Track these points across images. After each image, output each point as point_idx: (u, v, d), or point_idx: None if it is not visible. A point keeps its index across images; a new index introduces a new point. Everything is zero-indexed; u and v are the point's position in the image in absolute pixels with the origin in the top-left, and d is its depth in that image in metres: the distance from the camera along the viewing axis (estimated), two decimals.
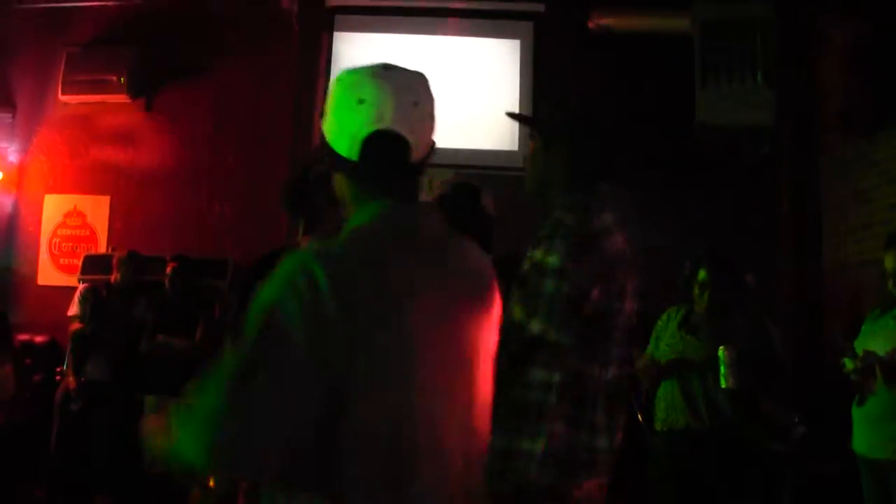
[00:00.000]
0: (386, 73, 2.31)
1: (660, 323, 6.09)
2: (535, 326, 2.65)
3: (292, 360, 1.93)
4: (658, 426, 5.90)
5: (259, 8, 9.86)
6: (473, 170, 8.80)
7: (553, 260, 2.71)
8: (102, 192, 9.95)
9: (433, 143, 2.30)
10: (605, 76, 9.21)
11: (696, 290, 5.90)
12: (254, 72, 9.93)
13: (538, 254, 2.73)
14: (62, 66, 9.89)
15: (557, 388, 2.65)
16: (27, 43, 10.36)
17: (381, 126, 2.19)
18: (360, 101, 2.21)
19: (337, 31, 9.95)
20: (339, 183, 2.33)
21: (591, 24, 9.38)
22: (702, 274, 5.88)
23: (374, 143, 2.19)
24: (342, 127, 2.24)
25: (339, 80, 2.31)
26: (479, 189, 4.04)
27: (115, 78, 9.72)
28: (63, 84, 9.86)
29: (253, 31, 9.97)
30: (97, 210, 9.87)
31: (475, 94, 9.64)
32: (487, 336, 2.27)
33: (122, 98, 9.87)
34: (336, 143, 2.25)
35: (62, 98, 9.92)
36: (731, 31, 8.76)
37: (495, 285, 2.35)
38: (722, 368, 5.41)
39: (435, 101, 2.29)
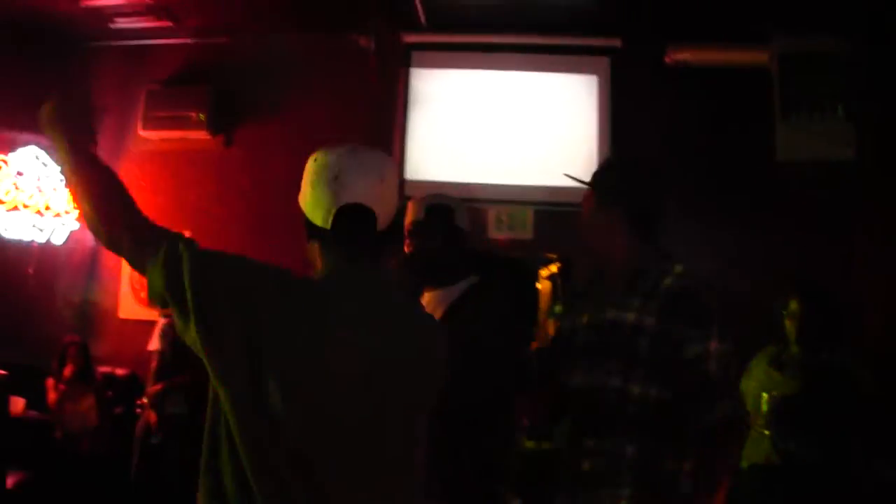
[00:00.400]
0: (356, 154, 2.76)
1: (753, 360, 6.27)
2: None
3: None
4: (743, 463, 6.03)
5: (337, 45, 10.28)
6: (551, 207, 9.20)
7: (730, 347, 3.22)
8: (182, 228, 10.17)
9: (395, 212, 2.78)
10: (682, 111, 9.57)
11: (787, 323, 6.10)
12: (332, 109, 10.28)
13: (720, 346, 3.21)
14: (142, 103, 10.43)
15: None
16: (108, 80, 10.87)
17: (352, 200, 2.63)
18: (335, 178, 2.65)
19: (414, 67, 10.34)
20: (313, 251, 2.78)
21: (667, 59, 9.66)
22: (792, 305, 6.07)
23: (347, 215, 2.62)
24: (318, 200, 2.67)
25: (315, 159, 2.75)
26: (452, 209, 4.12)
27: (194, 115, 10.22)
28: (143, 120, 10.38)
29: (331, 69, 10.39)
30: None
31: (552, 130, 9.96)
32: (413, 395, 2.62)
33: (201, 134, 10.34)
34: (312, 215, 2.69)
35: (142, 134, 10.44)
36: (811, 65, 8.96)
37: (436, 350, 2.72)
38: (764, 414, 5.72)
39: (396, 178, 2.84)
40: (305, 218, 2.76)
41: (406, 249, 4.04)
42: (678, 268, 3.39)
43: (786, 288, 6.33)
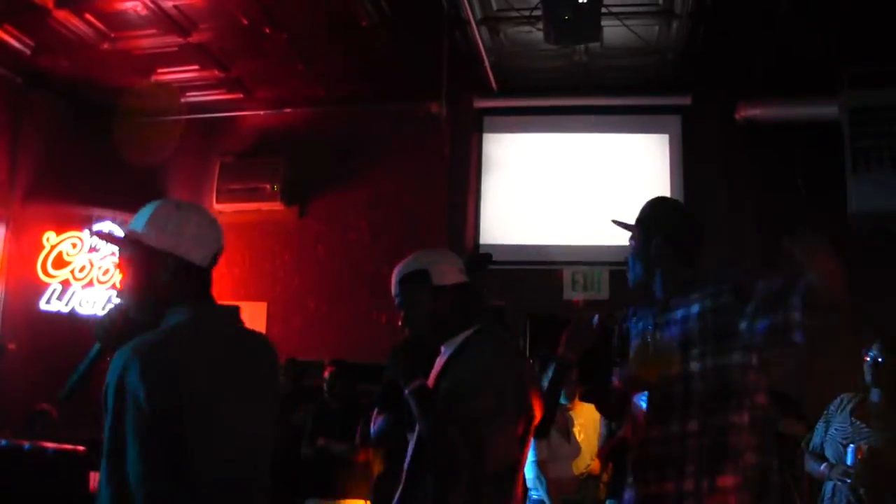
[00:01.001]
0: (183, 208, 3.17)
1: (831, 407, 6.30)
2: None
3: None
4: None
5: (409, 112, 10.86)
6: (626, 266, 9.65)
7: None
8: (259, 299, 10.92)
9: (218, 250, 3.22)
10: (754, 166, 10.15)
11: (869, 374, 6.16)
12: (406, 176, 10.87)
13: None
14: (216, 175, 11.08)
15: None
16: (182, 153, 11.50)
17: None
18: (212, 222, 3.17)
19: (486, 132, 10.95)
20: (185, 288, 3.08)
21: (737, 115, 10.16)
22: (875, 357, 6.14)
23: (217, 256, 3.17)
24: (205, 241, 3.12)
25: (178, 206, 3.12)
26: (425, 271, 4.01)
27: (268, 186, 10.84)
28: (217, 192, 11.02)
29: (404, 136, 10.97)
30: (255, 316, 10.67)
31: (624, 189, 10.42)
32: (263, 403, 3.11)
33: (275, 206, 10.95)
34: (192, 254, 3.05)
35: (217, 206, 11.02)
36: (881, 116, 9.37)
37: (272, 371, 3.24)
38: (848, 465, 5.67)
39: (215, 226, 3.26)
40: (172, 259, 2.98)
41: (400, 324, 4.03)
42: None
43: (868, 339, 6.34)
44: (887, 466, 5.65)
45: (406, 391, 3.68)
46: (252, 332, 3.20)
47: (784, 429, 7.47)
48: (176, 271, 2.98)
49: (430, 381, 3.77)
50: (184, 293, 2.99)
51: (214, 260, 3.18)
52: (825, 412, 6.36)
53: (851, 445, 5.69)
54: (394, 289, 4.02)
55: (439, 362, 3.91)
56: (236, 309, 3.20)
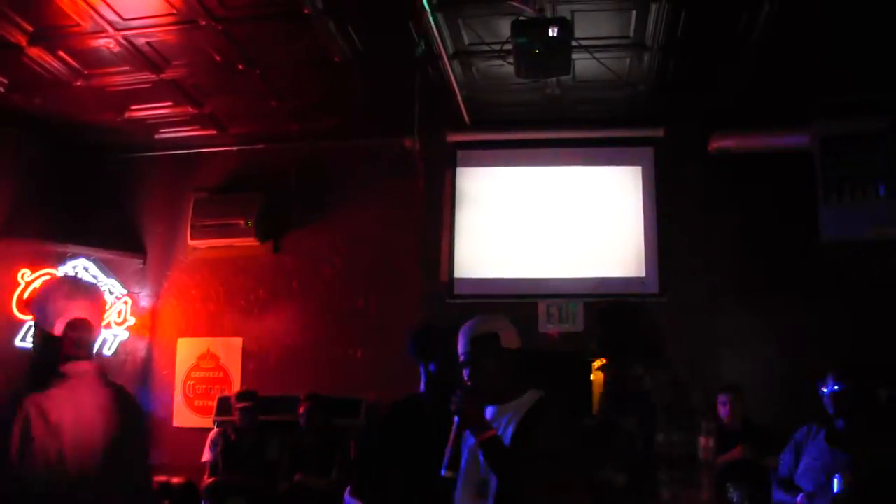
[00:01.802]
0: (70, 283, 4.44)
1: (797, 436, 6.43)
2: None
3: None
4: None
5: (383, 147, 11.03)
6: (601, 298, 9.73)
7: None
8: (234, 334, 11.04)
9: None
10: (727, 197, 10.34)
11: (831, 405, 6.22)
12: (380, 210, 10.99)
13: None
14: (190, 212, 11.15)
15: None
16: (156, 189, 11.67)
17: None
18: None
19: (460, 166, 11.08)
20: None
21: (710, 147, 10.37)
22: (833, 388, 6.20)
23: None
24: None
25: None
26: (496, 334, 4.38)
27: (242, 222, 10.91)
28: (192, 228, 11.10)
29: (378, 171, 11.11)
30: (230, 352, 10.96)
31: (598, 222, 10.65)
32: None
33: (250, 241, 11.03)
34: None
35: (191, 243, 11.15)
36: (852, 145, 9.55)
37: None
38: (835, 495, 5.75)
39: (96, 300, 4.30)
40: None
41: (466, 380, 4.37)
42: None
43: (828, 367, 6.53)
44: (878, 492, 5.75)
45: (477, 440, 4.10)
46: None
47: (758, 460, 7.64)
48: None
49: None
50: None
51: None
52: (792, 442, 6.49)
53: (837, 475, 5.77)
54: (463, 347, 4.37)
55: (503, 421, 4.24)
56: None
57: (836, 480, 5.76)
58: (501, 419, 4.26)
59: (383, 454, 4.81)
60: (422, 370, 4.98)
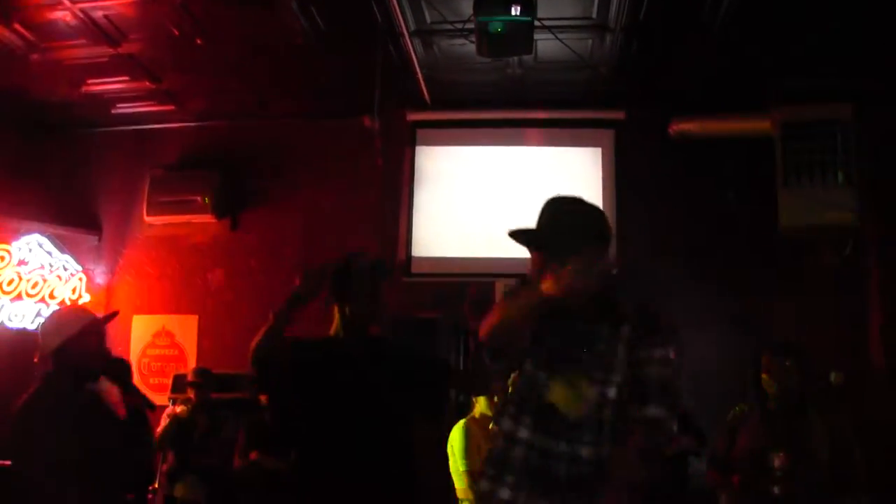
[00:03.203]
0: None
1: (734, 417, 6.55)
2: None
3: None
4: None
5: (343, 126, 11.10)
6: None
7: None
8: (190, 312, 11.14)
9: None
10: (687, 180, 10.51)
11: (756, 386, 6.35)
12: (339, 189, 11.12)
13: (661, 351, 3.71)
14: (146, 188, 11.23)
15: None
16: (112, 165, 11.72)
17: None
18: None
19: (419, 145, 11.23)
20: None
21: (671, 130, 10.52)
22: (766, 362, 6.31)
23: None
24: None
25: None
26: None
27: (199, 198, 11.00)
28: (148, 205, 11.19)
29: (337, 150, 11.22)
30: (185, 329, 11.07)
31: None
32: None
33: (207, 218, 11.13)
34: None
35: (147, 219, 11.24)
36: (813, 132, 9.71)
37: None
38: (774, 475, 5.81)
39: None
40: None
41: None
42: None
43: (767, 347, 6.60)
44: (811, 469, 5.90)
45: None
46: None
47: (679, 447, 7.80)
48: None
49: None
50: None
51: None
52: (727, 424, 6.60)
53: (774, 453, 5.87)
54: None
55: None
56: None
57: (772, 458, 5.87)
58: None
59: (304, 407, 4.69)
60: (338, 312, 4.88)
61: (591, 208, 3.96)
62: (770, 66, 9.57)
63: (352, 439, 4.46)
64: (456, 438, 7.86)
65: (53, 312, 5.43)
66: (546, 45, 9.37)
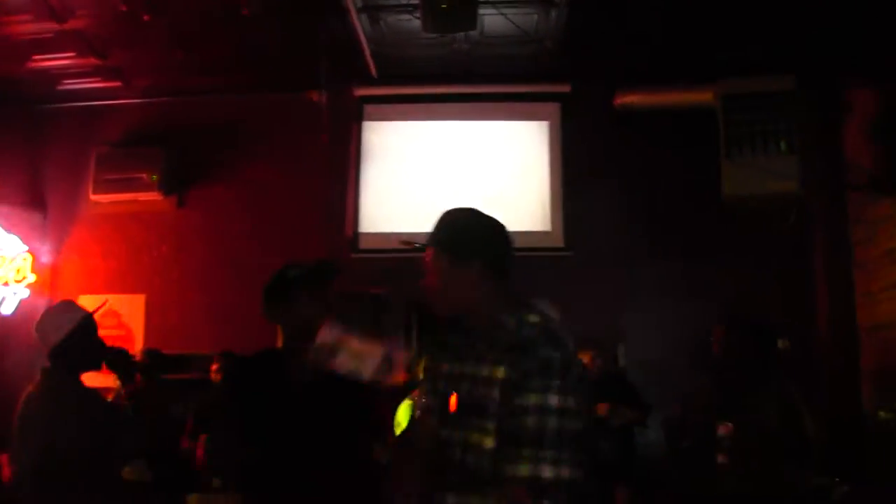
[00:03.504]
0: None
1: (688, 385, 6.90)
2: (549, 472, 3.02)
3: None
4: None
5: (290, 101, 11.14)
6: None
7: (570, 402, 3.07)
8: (137, 291, 11.08)
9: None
10: (632, 152, 10.64)
11: (715, 351, 6.53)
12: (286, 165, 11.13)
13: (539, 398, 3.08)
14: (92, 166, 11.15)
15: None
16: (57, 143, 11.62)
17: None
18: None
19: (366, 120, 11.31)
20: None
21: (616, 103, 10.68)
22: (717, 334, 6.53)
23: None
24: None
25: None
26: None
27: (145, 176, 10.96)
28: (94, 183, 11.11)
29: (284, 126, 11.22)
30: (133, 309, 10.97)
31: (506, 176, 10.95)
32: None
33: (154, 196, 11.09)
34: None
35: (93, 197, 11.17)
36: (755, 103, 9.85)
37: None
38: (720, 444, 5.95)
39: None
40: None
41: None
42: (532, 317, 3.32)
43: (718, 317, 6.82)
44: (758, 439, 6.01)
45: None
46: None
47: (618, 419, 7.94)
48: None
49: None
50: None
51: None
52: (683, 392, 6.90)
53: (719, 423, 6.03)
54: None
55: None
56: None
57: (720, 426, 5.98)
58: None
59: (246, 428, 4.46)
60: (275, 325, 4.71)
61: (491, 223, 3.54)
62: (713, 39, 9.71)
63: (288, 466, 4.30)
64: (402, 416, 7.93)
65: (47, 310, 5.51)
66: (492, 19, 9.49)
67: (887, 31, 8.49)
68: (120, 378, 5.97)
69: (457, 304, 3.46)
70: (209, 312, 10.82)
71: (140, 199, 11.16)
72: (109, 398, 9.17)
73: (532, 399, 3.08)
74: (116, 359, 5.99)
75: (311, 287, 4.48)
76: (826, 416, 8.92)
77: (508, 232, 3.52)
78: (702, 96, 10.23)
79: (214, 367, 9.44)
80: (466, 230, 3.52)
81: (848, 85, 9.51)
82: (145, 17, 9.32)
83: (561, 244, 10.70)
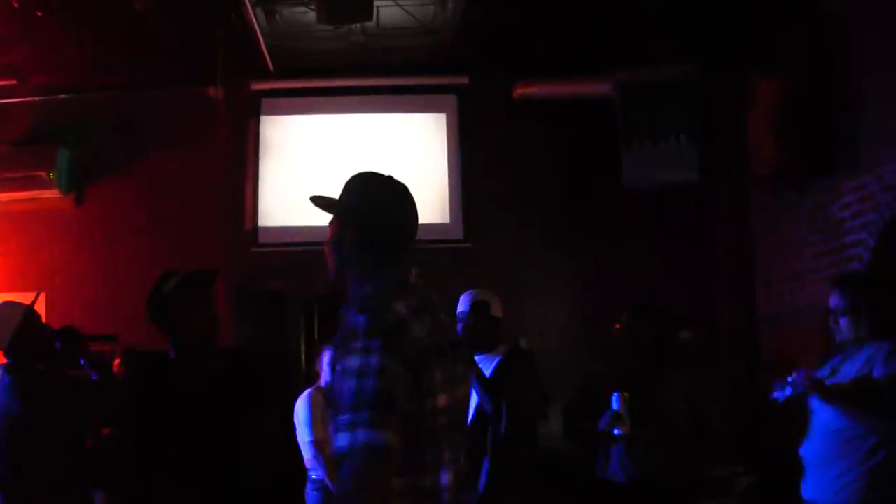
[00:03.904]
0: None
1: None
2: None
3: None
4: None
5: (186, 96, 11.08)
6: None
7: (373, 361, 2.83)
8: (37, 288, 10.74)
9: None
10: (532, 143, 10.76)
11: (620, 340, 6.57)
12: (184, 161, 11.06)
13: (342, 364, 2.89)
14: None
15: None
16: None
17: None
18: None
19: (264, 114, 11.30)
20: None
21: (515, 94, 10.75)
22: (623, 322, 6.56)
23: None
24: None
25: None
26: (487, 302, 6.24)
27: (43, 174, 10.79)
28: None
29: (182, 121, 11.17)
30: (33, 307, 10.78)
31: (405, 169, 10.35)
32: None
33: (52, 193, 10.93)
34: None
35: None
36: (654, 93, 10.08)
37: None
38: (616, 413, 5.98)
39: None
40: None
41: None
42: (374, 288, 3.20)
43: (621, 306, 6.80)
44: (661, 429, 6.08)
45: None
46: None
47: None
48: None
49: None
50: None
51: None
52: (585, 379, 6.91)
53: (616, 393, 6.01)
54: (462, 307, 6.26)
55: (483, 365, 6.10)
56: None
57: (614, 399, 6.00)
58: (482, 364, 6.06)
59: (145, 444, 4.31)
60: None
61: (382, 190, 3.45)
62: (612, 28, 9.78)
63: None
64: (301, 408, 7.93)
65: None
66: (388, 11, 9.53)
67: (790, 20, 8.58)
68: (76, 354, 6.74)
69: (331, 271, 3.41)
70: (111, 308, 10.65)
71: (39, 196, 11.00)
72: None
73: (337, 367, 2.95)
74: (64, 339, 6.89)
75: (189, 296, 4.40)
76: (727, 407, 8.99)
77: (403, 205, 3.40)
78: (600, 87, 10.38)
79: (117, 361, 9.30)
80: (352, 192, 3.48)
81: (751, 75, 9.50)
82: (38, 14, 9.19)
83: (461, 236, 10.76)
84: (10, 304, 6.04)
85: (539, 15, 9.54)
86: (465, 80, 11.12)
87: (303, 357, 10.43)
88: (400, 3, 9.20)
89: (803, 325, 8.53)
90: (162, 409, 4.27)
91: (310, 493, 8.14)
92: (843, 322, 5.64)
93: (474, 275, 9.79)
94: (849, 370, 5.46)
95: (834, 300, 5.70)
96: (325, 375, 8.17)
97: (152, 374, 4.57)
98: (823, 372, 5.61)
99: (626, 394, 5.98)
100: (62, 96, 11.29)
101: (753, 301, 10.12)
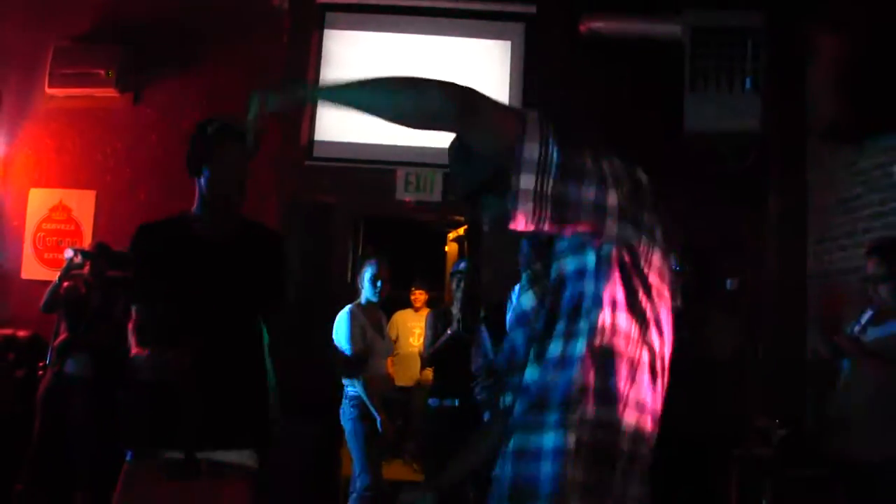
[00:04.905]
0: None
1: None
2: None
3: None
4: None
5: (250, 4, 11.08)
6: None
7: None
8: (88, 187, 11.05)
9: None
10: (594, 79, 10.63)
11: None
12: (243, 68, 10.93)
13: None
14: (49, 60, 11.02)
15: None
16: (13, 35, 11.46)
17: None
18: None
19: (327, 28, 11.20)
20: None
21: (581, 28, 10.59)
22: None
23: None
24: None
25: None
26: None
27: (102, 72, 10.86)
28: (50, 77, 10.99)
29: (243, 27, 11.12)
30: (83, 205, 10.98)
31: None
32: None
33: (110, 92, 10.99)
34: None
35: (49, 91, 11.06)
36: (721, 38, 9.86)
37: None
38: None
39: None
40: None
41: None
42: None
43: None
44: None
45: None
46: None
47: None
48: None
49: None
50: None
51: None
52: None
53: None
54: None
55: None
56: None
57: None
58: None
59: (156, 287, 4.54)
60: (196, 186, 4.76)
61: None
62: None
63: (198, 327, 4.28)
64: (341, 323, 7.92)
65: None
66: None
67: None
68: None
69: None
70: (159, 211, 10.42)
71: (96, 94, 11.08)
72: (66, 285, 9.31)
73: None
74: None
75: (233, 139, 4.40)
76: (770, 359, 8.90)
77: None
78: (669, 27, 10.21)
79: None
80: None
81: (816, 28, 9.31)
82: None
83: None
84: None
85: None
86: (532, 9, 11.01)
87: (348, 272, 10.38)
88: None
89: (852, 285, 8.40)
90: (176, 259, 4.51)
91: (346, 408, 8.18)
92: (884, 290, 5.59)
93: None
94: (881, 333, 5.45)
95: (872, 266, 5.64)
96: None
97: (165, 234, 4.78)
98: (856, 331, 5.59)
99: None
100: None
101: (804, 256, 10.03)
